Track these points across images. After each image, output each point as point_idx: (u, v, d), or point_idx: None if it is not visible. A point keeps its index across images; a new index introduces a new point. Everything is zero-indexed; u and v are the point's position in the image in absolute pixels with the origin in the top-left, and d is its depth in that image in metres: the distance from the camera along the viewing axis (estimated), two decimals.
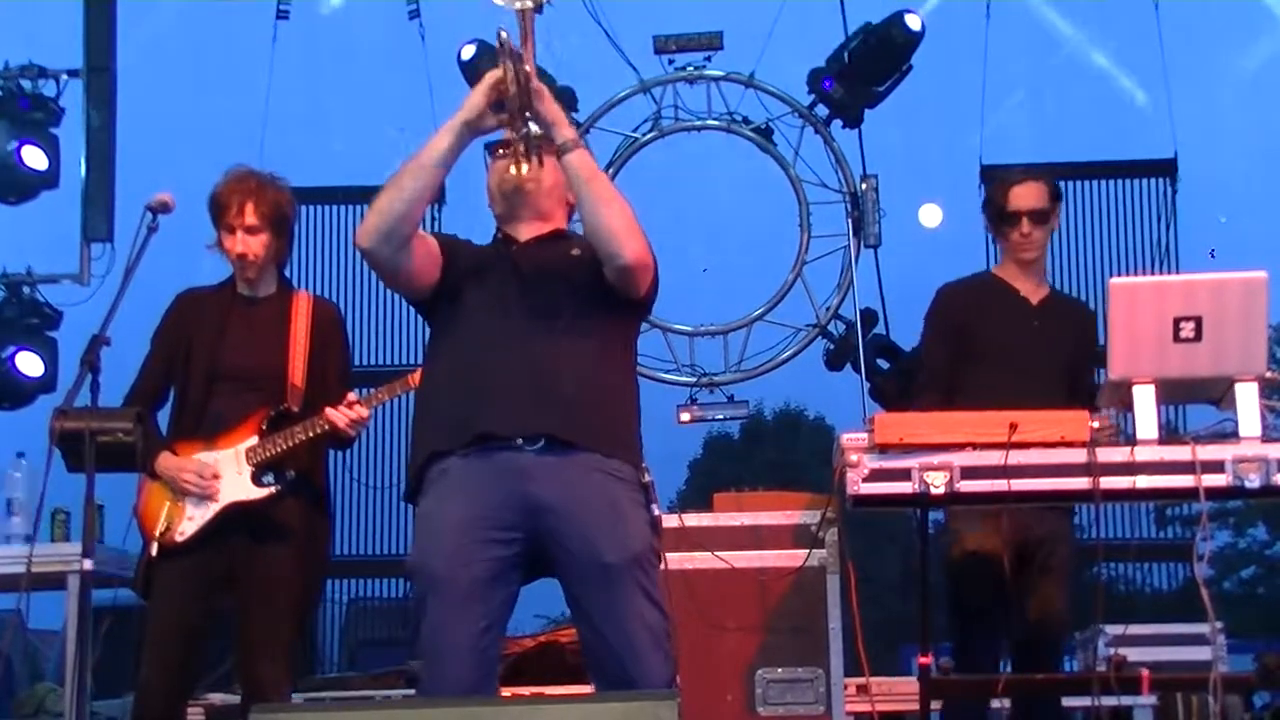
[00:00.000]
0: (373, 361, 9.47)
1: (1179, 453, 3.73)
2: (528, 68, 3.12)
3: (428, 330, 3.49)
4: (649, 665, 3.11)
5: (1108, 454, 3.74)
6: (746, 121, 8.57)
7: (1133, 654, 3.99)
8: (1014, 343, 4.45)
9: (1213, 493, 3.72)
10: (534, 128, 3.20)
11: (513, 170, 3.25)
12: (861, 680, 4.48)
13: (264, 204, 4.30)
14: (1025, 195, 4.53)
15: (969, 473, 3.73)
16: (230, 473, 4.24)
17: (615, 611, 3.12)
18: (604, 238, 3.20)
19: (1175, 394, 3.97)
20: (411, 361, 8.89)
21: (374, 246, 3.23)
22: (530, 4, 3.06)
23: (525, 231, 3.44)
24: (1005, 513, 3.83)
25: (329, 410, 4.20)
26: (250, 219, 4.29)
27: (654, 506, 3.26)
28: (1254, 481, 3.69)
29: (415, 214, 3.24)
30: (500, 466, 3.18)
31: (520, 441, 3.18)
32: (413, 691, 5.60)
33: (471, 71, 7.98)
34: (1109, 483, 3.73)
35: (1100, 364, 4.49)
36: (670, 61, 8.52)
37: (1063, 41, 11.94)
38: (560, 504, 3.15)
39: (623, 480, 3.21)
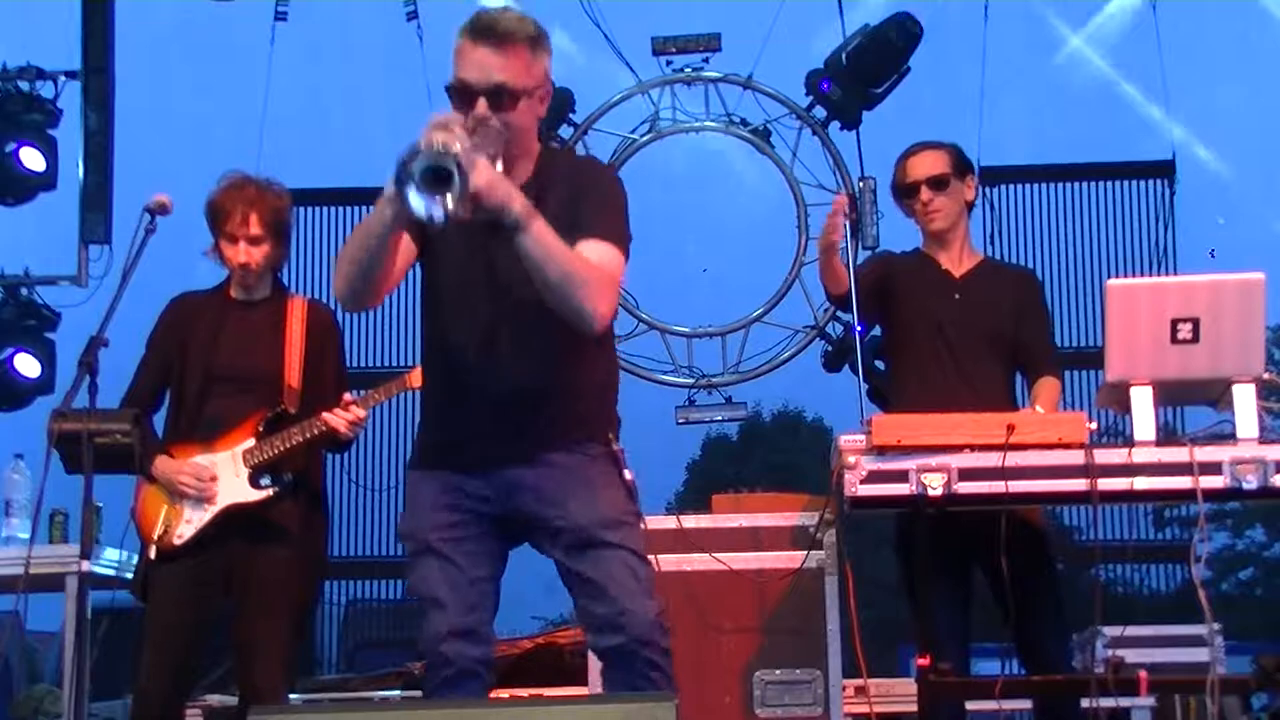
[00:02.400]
0: (370, 364, 9.47)
1: (1177, 454, 3.73)
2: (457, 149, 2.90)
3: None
4: (638, 606, 3.18)
5: (1105, 455, 3.73)
6: (744, 123, 8.58)
7: (1130, 655, 3.96)
8: (936, 315, 4.38)
9: (1210, 494, 3.71)
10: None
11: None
12: (860, 681, 4.48)
13: (266, 213, 4.29)
14: (920, 164, 4.45)
15: (967, 474, 3.72)
16: (228, 475, 4.24)
17: (601, 564, 3.21)
18: (572, 316, 3.13)
19: (1173, 396, 3.97)
20: (408, 362, 8.88)
21: (353, 308, 3.26)
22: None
23: None
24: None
25: (326, 414, 4.20)
26: (254, 229, 4.28)
27: (626, 472, 3.34)
28: (1251, 483, 3.69)
29: (376, 273, 3.14)
30: None
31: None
32: (412, 693, 5.63)
33: None
34: (1107, 484, 3.72)
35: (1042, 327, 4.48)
36: (668, 63, 8.53)
37: (1061, 43, 11.96)
38: (536, 483, 3.26)
39: (595, 458, 3.30)
